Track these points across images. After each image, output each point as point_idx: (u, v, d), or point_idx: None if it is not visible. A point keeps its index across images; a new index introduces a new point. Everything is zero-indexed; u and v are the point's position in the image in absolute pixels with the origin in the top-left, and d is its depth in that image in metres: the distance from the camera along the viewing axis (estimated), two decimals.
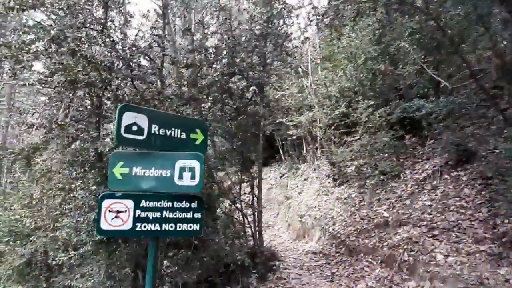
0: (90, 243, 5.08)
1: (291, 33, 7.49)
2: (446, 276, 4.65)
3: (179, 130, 2.93)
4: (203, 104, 5.55)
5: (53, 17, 4.84)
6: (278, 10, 7.17)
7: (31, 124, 4.71)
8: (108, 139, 4.56)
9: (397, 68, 8.59)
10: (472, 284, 4.33)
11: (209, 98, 5.78)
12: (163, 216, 2.78)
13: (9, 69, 4.53)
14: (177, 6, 10.61)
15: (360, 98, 9.30)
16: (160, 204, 2.79)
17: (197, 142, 3.00)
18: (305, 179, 11.64)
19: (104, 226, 2.69)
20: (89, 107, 4.94)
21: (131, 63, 4.69)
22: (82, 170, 5.06)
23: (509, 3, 5.32)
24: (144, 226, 2.75)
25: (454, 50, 6.56)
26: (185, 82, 5.95)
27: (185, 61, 5.55)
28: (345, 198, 8.75)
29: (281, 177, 13.69)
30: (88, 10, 4.96)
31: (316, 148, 11.93)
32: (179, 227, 2.81)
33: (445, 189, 6.33)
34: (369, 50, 8.62)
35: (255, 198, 6.86)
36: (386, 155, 8.31)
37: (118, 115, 2.70)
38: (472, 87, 7.41)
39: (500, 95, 7.11)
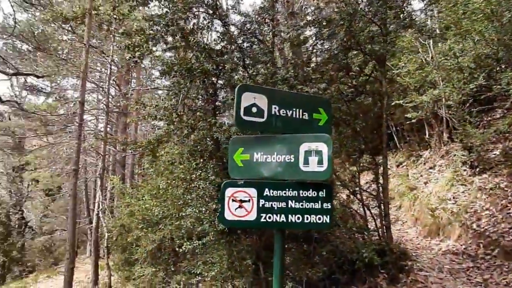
0: (212, 233, 5.09)
1: None
2: None
3: (300, 110, 2.67)
4: (318, 85, 5.03)
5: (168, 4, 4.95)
6: None
7: (154, 116, 4.94)
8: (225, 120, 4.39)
9: None
10: None
11: (324, 78, 5.22)
12: (289, 206, 2.51)
13: (130, 57, 4.81)
14: None
15: (504, 66, 7.69)
16: (285, 193, 2.52)
17: (321, 123, 2.71)
18: (430, 168, 10.11)
19: (228, 216, 2.53)
20: (205, 95, 4.93)
21: (243, 45, 4.48)
22: (202, 160, 5.10)
23: None
24: (269, 217, 2.50)
25: None
26: (299, 61, 5.51)
27: (296, 37, 5.09)
28: (490, 189, 7.26)
29: (398, 166, 12.25)
30: None
31: (442, 132, 10.26)
32: (307, 219, 2.50)
33: None
34: None
35: (380, 188, 6.04)
36: None
37: (237, 96, 2.52)
38: None
39: None
